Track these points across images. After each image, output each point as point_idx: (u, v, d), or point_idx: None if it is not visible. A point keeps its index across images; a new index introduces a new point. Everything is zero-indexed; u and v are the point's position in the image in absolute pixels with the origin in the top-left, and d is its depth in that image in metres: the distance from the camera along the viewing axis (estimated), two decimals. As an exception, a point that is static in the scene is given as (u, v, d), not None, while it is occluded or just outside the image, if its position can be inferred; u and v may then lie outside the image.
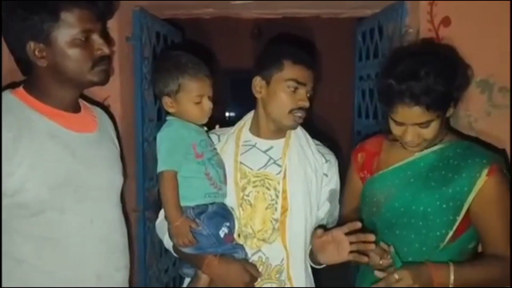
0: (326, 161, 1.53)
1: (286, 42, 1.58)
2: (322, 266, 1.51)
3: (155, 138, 2.27)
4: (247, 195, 1.46)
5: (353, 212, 1.64)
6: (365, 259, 1.29)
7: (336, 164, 1.57)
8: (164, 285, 2.53)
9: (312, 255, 1.45)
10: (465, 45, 1.83)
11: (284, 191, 1.45)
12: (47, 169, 1.22)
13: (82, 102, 1.43)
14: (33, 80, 1.29)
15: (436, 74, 1.30)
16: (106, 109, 1.72)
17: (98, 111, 1.49)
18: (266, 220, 1.45)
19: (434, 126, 1.34)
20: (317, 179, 1.50)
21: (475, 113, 1.93)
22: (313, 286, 1.52)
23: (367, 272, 1.49)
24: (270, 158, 1.49)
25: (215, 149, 1.48)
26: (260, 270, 1.43)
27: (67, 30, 1.23)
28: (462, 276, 1.31)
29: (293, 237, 1.44)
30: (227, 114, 5.21)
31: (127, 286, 1.44)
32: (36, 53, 1.23)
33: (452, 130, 1.55)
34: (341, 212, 1.66)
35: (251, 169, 1.48)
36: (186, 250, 1.38)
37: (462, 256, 1.41)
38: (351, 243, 1.29)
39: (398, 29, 2.07)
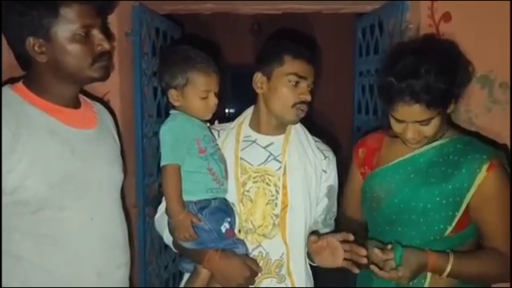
0: (325, 157, 1.54)
1: (286, 37, 1.58)
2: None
3: (154, 134, 2.31)
4: (248, 191, 1.46)
5: (355, 209, 1.64)
6: (356, 270, 1.34)
7: (334, 160, 1.58)
8: (164, 282, 2.53)
9: (309, 255, 1.47)
10: (465, 40, 1.82)
11: (284, 187, 1.46)
12: (47, 166, 1.21)
13: (82, 98, 1.42)
14: (32, 75, 1.28)
15: (437, 71, 1.29)
16: (106, 104, 1.72)
17: (98, 106, 1.49)
18: (266, 215, 1.46)
19: (435, 123, 1.34)
20: (317, 176, 1.50)
21: (476, 108, 1.92)
22: (312, 281, 1.53)
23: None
24: (270, 154, 1.49)
25: (217, 144, 1.48)
26: (260, 265, 1.44)
27: (66, 25, 1.22)
28: (460, 267, 1.31)
29: (293, 232, 1.45)
30: (226, 110, 5.21)
31: (128, 283, 1.44)
32: (36, 48, 1.22)
33: (453, 125, 1.55)
34: (343, 208, 1.66)
35: (251, 164, 1.48)
36: (187, 245, 1.38)
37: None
38: (345, 251, 1.32)
39: (399, 24, 2.06)
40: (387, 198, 1.46)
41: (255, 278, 1.42)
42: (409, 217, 1.41)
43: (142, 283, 2.26)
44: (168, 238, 1.49)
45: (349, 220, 1.64)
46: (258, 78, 1.47)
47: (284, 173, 1.47)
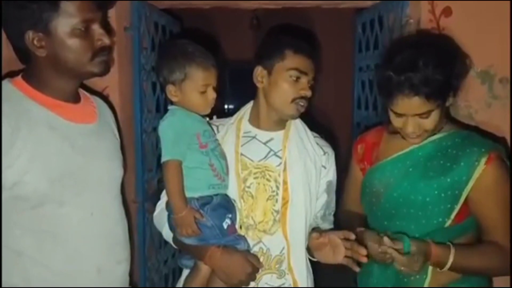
0: (324, 153, 1.55)
1: (287, 32, 1.57)
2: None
3: (154, 129, 2.30)
4: (248, 187, 1.46)
5: (355, 204, 1.64)
6: (357, 268, 1.35)
7: (333, 156, 1.58)
8: (163, 277, 2.53)
9: (308, 250, 1.47)
10: (466, 35, 1.82)
11: (284, 183, 1.46)
12: (46, 161, 1.20)
13: (82, 92, 1.41)
14: (31, 69, 1.27)
15: (434, 63, 1.30)
16: (106, 99, 1.71)
17: (98, 101, 1.48)
18: (267, 211, 1.45)
19: (435, 116, 1.34)
20: (316, 171, 1.51)
21: (476, 104, 1.92)
22: (312, 277, 1.53)
23: (371, 265, 1.50)
24: (271, 149, 1.49)
25: (217, 139, 1.48)
26: (260, 260, 1.43)
27: (66, 19, 1.21)
28: (461, 259, 1.32)
29: (293, 228, 1.45)
30: (226, 106, 5.19)
31: (128, 278, 1.44)
32: (35, 42, 1.21)
33: (451, 120, 1.55)
34: (343, 203, 1.66)
35: (251, 160, 1.48)
36: (189, 241, 1.38)
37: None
38: (346, 248, 1.33)
39: (399, 19, 2.05)
40: (386, 192, 1.46)
41: (256, 274, 1.41)
42: (408, 210, 1.42)
43: (141, 279, 2.26)
44: (167, 235, 1.48)
45: (349, 215, 1.64)
46: (259, 72, 1.47)
47: (285, 169, 1.47)
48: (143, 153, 2.22)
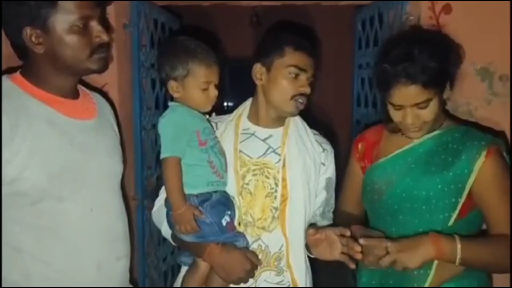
0: (323, 150, 1.55)
1: (286, 29, 1.57)
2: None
3: (153, 126, 2.30)
4: (247, 184, 1.46)
5: (353, 203, 1.64)
6: (352, 265, 1.35)
7: (332, 153, 1.58)
8: (163, 274, 2.53)
9: (307, 247, 1.47)
10: (465, 33, 1.82)
11: (283, 180, 1.46)
12: (46, 157, 1.20)
13: (81, 88, 1.41)
14: (30, 66, 1.27)
15: (429, 52, 1.32)
16: (105, 95, 1.71)
17: (97, 97, 1.47)
18: (265, 208, 1.45)
19: (433, 106, 1.35)
20: (315, 168, 1.51)
21: (475, 101, 1.92)
22: (310, 274, 1.53)
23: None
24: (269, 146, 1.49)
25: (216, 137, 1.48)
26: (259, 258, 1.43)
27: (65, 16, 1.21)
28: (469, 251, 1.31)
29: (292, 225, 1.45)
30: (225, 103, 5.19)
31: (128, 274, 1.44)
32: (33, 39, 1.21)
33: (450, 116, 1.56)
34: (340, 201, 1.66)
35: (250, 157, 1.48)
36: (187, 238, 1.37)
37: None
38: (342, 245, 1.33)
39: (399, 17, 2.05)
40: (389, 189, 1.47)
41: (255, 271, 1.41)
42: (412, 205, 1.42)
43: (140, 275, 2.26)
44: (166, 232, 1.48)
45: (346, 214, 1.64)
46: (258, 69, 1.46)
47: (284, 166, 1.46)
48: (142, 150, 2.22)
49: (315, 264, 1.56)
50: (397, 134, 1.49)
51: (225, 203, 1.41)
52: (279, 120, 1.51)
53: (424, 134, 1.43)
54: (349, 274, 2.53)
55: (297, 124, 1.53)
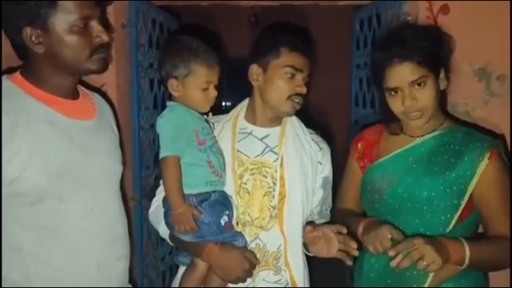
0: (320, 149, 1.55)
1: (282, 30, 1.58)
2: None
3: (151, 126, 2.30)
4: (245, 183, 1.46)
5: (352, 201, 1.64)
6: (350, 262, 1.36)
7: (329, 152, 1.59)
8: (161, 273, 2.53)
9: (304, 245, 1.48)
10: (463, 33, 1.83)
11: (281, 179, 1.47)
12: (45, 157, 1.20)
13: (80, 89, 1.40)
14: (30, 66, 1.26)
15: (420, 34, 1.37)
16: (105, 95, 1.71)
17: (97, 97, 1.47)
18: (263, 207, 1.46)
19: (429, 89, 1.36)
20: (313, 167, 1.51)
21: (473, 101, 1.93)
22: (308, 273, 1.53)
23: (367, 260, 1.51)
24: (267, 145, 1.50)
25: (214, 137, 1.48)
26: (257, 257, 1.44)
27: (65, 16, 1.20)
28: (475, 253, 1.31)
29: (290, 223, 1.46)
30: (223, 103, 5.19)
31: (128, 274, 1.44)
32: (33, 39, 1.20)
33: (450, 117, 1.56)
34: (338, 200, 1.66)
35: (248, 156, 1.48)
36: (186, 238, 1.38)
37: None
38: (339, 242, 1.34)
39: (397, 17, 2.06)
40: (390, 188, 1.47)
41: (253, 271, 1.41)
42: (413, 205, 1.42)
43: (139, 275, 2.26)
44: (164, 232, 1.48)
45: (345, 211, 1.64)
46: (254, 69, 1.47)
47: (281, 165, 1.47)
48: (140, 150, 2.23)
49: (312, 263, 1.56)
50: (398, 135, 1.50)
51: (224, 202, 1.42)
52: (276, 120, 1.52)
53: (424, 124, 1.42)
54: (347, 274, 2.54)
55: (294, 123, 1.54)
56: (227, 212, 1.41)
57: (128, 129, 2.17)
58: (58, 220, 1.24)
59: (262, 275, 1.46)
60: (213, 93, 1.42)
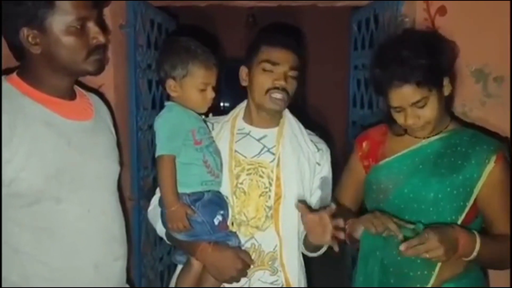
0: (318, 150, 1.55)
1: (276, 31, 1.59)
2: (315, 254, 1.52)
3: (149, 127, 2.31)
4: (241, 183, 1.47)
5: (351, 199, 1.66)
6: (336, 247, 1.31)
7: (328, 152, 1.58)
8: (159, 274, 2.54)
9: (305, 241, 1.47)
10: (460, 34, 1.83)
11: (277, 179, 1.47)
12: (43, 158, 1.20)
13: (77, 89, 1.41)
14: (26, 66, 1.27)
15: (418, 51, 1.35)
16: (102, 96, 1.71)
17: (94, 98, 1.47)
18: (259, 207, 1.46)
19: (432, 105, 1.36)
20: (310, 167, 1.51)
21: (470, 102, 1.93)
22: (304, 274, 1.53)
23: (368, 259, 1.51)
24: (264, 146, 1.50)
25: (212, 137, 1.49)
26: (252, 257, 1.44)
27: (62, 17, 1.21)
28: (484, 248, 1.33)
29: (286, 224, 1.46)
30: (221, 103, 5.19)
31: (125, 275, 1.44)
32: (30, 39, 1.21)
33: (456, 119, 1.57)
34: (337, 197, 1.66)
35: (245, 157, 1.49)
36: (180, 236, 1.39)
37: None
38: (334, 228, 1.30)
39: (394, 18, 2.06)
40: (396, 188, 1.47)
41: (248, 270, 1.42)
42: (419, 206, 1.43)
43: (137, 275, 2.26)
44: (161, 230, 1.49)
45: (342, 207, 1.64)
46: (242, 71, 1.50)
47: (278, 165, 1.47)
48: (138, 150, 2.22)
49: (310, 264, 1.56)
50: (403, 136, 1.50)
51: (218, 202, 1.42)
52: (274, 120, 1.52)
53: (429, 133, 1.44)
54: (345, 275, 2.54)
55: (291, 124, 1.55)
56: (221, 212, 1.41)
57: (126, 129, 2.17)
58: (55, 221, 1.24)
59: (258, 275, 1.46)
60: (210, 94, 1.43)
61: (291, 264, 1.47)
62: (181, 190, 1.37)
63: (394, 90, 1.35)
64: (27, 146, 1.17)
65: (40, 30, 1.20)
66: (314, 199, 1.54)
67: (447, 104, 1.49)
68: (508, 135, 1.88)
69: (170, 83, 1.42)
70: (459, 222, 1.40)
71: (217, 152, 1.46)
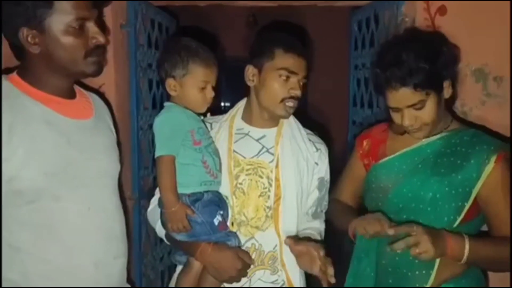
0: (317, 150, 1.55)
1: (279, 29, 1.58)
2: None
3: (150, 127, 2.31)
4: (241, 183, 1.47)
5: (350, 197, 1.66)
6: (325, 284, 1.32)
7: (327, 153, 1.58)
8: (159, 274, 2.54)
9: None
10: (460, 34, 1.83)
11: (277, 179, 1.47)
12: (43, 156, 1.20)
13: (77, 89, 1.41)
14: (26, 66, 1.27)
15: (417, 54, 1.34)
16: (102, 95, 1.71)
17: (94, 97, 1.48)
18: (259, 207, 1.46)
19: (430, 107, 1.36)
20: (308, 168, 1.51)
21: (470, 102, 1.93)
22: (304, 274, 1.53)
23: (362, 258, 1.52)
24: (263, 146, 1.50)
25: (211, 137, 1.48)
26: (253, 256, 1.45)
27: (61, 17, 1.21)
28: (475, 251, 1.32)
29: (286, 224, 1.46)
30: (222, 103, 5.19)
31: (126, 274, 1.44)
32: (29, 39, 1.21)
33: (457, 119, 1.56)
34: (336, 194, 1.67)
35: (244, 157, 1.48)
36: (180, 237, 1.39)
37: None
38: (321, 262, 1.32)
39: (394, 18, 2.06)
40: (395, 187, 1.47)
41: (248, 270, 1.42)
42: (417, 206, 1.43)
43: (137, 275, 2.27)
44: (160, 231, 1.49)
45: (342, 204, 1.65)
46: (250, 70, 1.47)
47: (277, 166, 1.47)
48: (139, 150, 2.23)
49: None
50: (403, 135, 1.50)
51: (218, 202, 1.42)
52: (273, 121, 1.51)
53: (426, 135, 1.44)
54: (345, 273, 2.54)
55: (290, 124, 1.54)
56: (221, 212, 1.41)
57: (127, 129, 2.17)
58: (55, 219, 1.24)
59: (258, 275, 1.47)
60: (210, 93, 1.43)
61: (292, 264, 1.46)
62: (180, 190, 1.37)
63: (391, 91, 1.36)
64: (27, 145, 1.18)
65: (39, 30, 1.21)
66: (311, 200, 1.54)
67: (448, 104, 1.49)
68: (508, 134, 1.88)
69: (170, 82, 1.42)
70: (457, 222, 1.39)
71: (216, 153, 1.46)
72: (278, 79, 1.41)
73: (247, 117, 1.53)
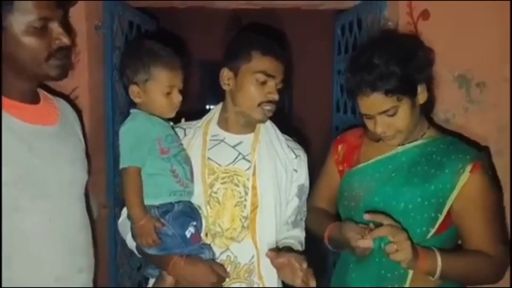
0: (296, 156, 1.50)
1: (256, 32, 1.52)
2: None
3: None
4: (215, 192, 1.41)
5: (326, 202, 1.61)
6: None
7: (306, 159, 1.54)
8: (137, 283, 2.47)
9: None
10: (443, 39, 1.82)
11: (254, 188, 1.41)
12: (1, 165, 1.13)
13: (42, 93, 1.34)
14: None
15: (389, 59, 1.29)
16: (71, 101, 1.64)
17: (61, 103, 1.41)
18: (235, 218, 1.41)
19: (403, 113, 1.31)
20: (287, 175, 1.46)
21: (452, 108, 1.91)
22: (283, 286, 1.47)
23: (347, 263, 1.47)
24: (239, 153, 1.44)
25: (181, 144, 1.43)
26: (228, 269, 1.39)
27: (22, 16, 1.15)
28: (449, 265, 1.27)
29: (263, 234, 1.41)
30: (207, 106, 5.15)
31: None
32: None
33: (434, 126, 1.51)
34: (313, 200, 1.62)
35: (219, 165, 1.43)
36: (151, 251, 1.33)
37: None
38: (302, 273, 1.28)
39: (377, 22, 2.03)
40: (367, 196, 1.42)
41: (223, 284, 1.37)
42: (389, 216, 1.37)
43: (113, 286, 2.19)
44: (131, 243, 1.42)
45: (319, 210, 1.60)
46: (225, 74, 1.42)
47: (254, 173, 1.42)
48: (114, 156, 2.15)
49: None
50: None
51: (190, 213, 1.37)
52: (250, 126, 1.46)
53: (401, 142, 1.39)
54: (327, 280, 2.50)
55: (268, 129, 1.49)
56: (193, 224, 1.36)
57: (102, 134, 2.10)
58: (14, 230, 1.17)
59: None
60: (177, 97, 1.37)
61: (270, 276, 1.41)
62: (148, 202, 1.31)
63: (362, 97, 1.31)
64: None
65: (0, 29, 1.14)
66: (290, 208, 1.49)
67: (426, 110, 1.44)
68: (490, 141, 1.86)
69: (133, 89, 1.36)
70: (430, 234, 1.34)
71: (187, 161, 1.40)
72: (255, 82, 1.37)
73: (223, 122, 1.47)
